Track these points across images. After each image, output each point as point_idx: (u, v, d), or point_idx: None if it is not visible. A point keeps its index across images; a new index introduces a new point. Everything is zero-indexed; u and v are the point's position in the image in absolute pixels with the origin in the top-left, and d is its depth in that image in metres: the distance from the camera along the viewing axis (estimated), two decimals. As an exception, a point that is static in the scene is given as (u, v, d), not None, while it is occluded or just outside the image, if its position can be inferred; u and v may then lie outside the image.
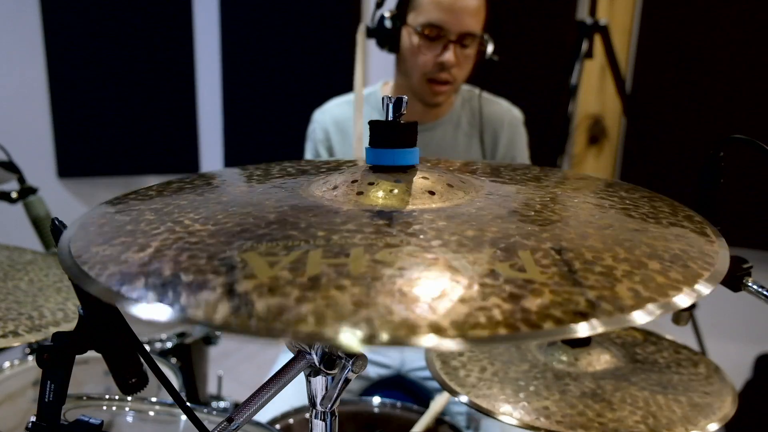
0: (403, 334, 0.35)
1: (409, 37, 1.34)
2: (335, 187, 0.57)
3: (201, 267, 0.43)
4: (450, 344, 0.34)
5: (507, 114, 1.51)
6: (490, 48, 1.37)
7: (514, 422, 0.74)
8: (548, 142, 2.13)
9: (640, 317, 0.37)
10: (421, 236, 0.46)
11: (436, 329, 0.35)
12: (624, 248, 0.46)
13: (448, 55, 1.29)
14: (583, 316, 0.36)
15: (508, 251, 0.44)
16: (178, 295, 0.39)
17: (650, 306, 0.38)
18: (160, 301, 0.39)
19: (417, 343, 0.34)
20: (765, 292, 0.73)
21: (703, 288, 0.42)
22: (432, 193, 0.55)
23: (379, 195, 0.55)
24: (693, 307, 0.85)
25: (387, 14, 1.37)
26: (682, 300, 0.40)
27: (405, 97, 0.59)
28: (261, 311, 0.37)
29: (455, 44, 1.30)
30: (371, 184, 0.56)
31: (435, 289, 0.39)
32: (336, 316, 0.36)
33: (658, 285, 0.41)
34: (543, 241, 0.46)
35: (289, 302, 0.37)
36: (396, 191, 0.55)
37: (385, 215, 0.51)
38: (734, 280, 0.74)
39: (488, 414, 0.76)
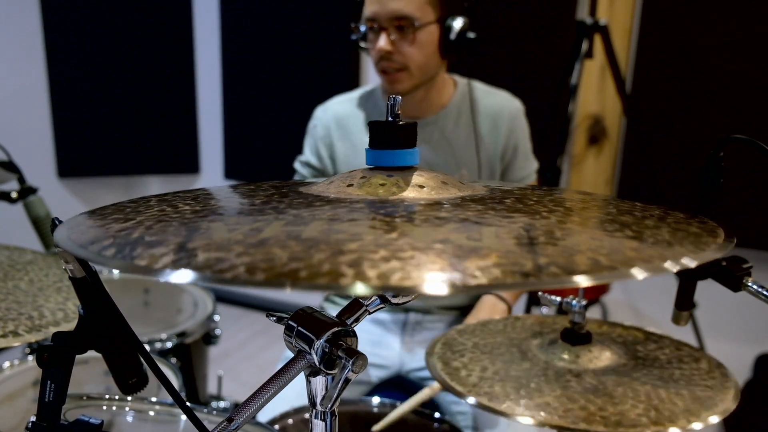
0: (321, 281, 0.37)
1: (365, 39, 1.38)
2: (330, 182, 0.61)
3: (167, 231, 0.47)
4: (360, 288, 0.36)
5: (507, 104, 1.51)
6: (456, 25, 1.34)
7: (517, 418, 0.74)
8: (548, 142, 2.12)
9: (585, 281, 0.38)
10: (396, 216, 0.48)
11: (335, 275, 0.37)
12: (604, 234, 0.47)
13: (381, 42, 1.32)
14: (526, 276, 0.38)
15: (472, 228, 0.46)
16: (132, 249, 0.43)
17: (604, 273, 0.39)
18: (117, 254, 0.43)
19: (321, 286, 0.37)
20: (765, 292, 0.73)
21: (670, 266, 0.42)
22: (422, 186, 0.57)
23: (369, 187, 0.57)
24: (693, 306, 0.85)
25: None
26: (639, 272, 0.40)
27: (399, 98, 0.60)
28: (199, 261, 0.40)
29: (388, 30, 1.32)
30: (363, 178, 0.58)
31: (368, 246, 0.41)
32: (267, 267, 0.38)
33: (624, 258, 0.42)
34: (516, 223, 0.48)
35: (229, 256, 0.40)
36: (386, 184, 0.57)
37: (369, 202, 0.53)
38: (734, 280, 0.74)
39: (491, 411, 0.77)
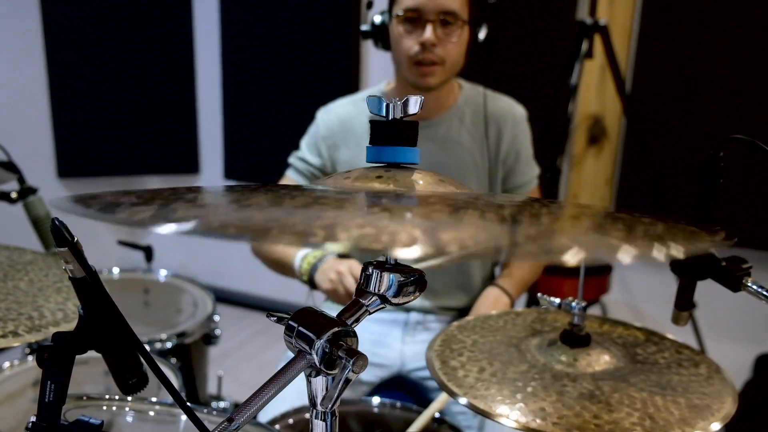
0: (290, 238, 0.38)
1: (395, 28, 1.39)
2: (329, 178, 0.62)
3: (161, 197, 0.49)
4: (329, 247, 0.39)
5: (510, 110, 1.51)
6: (482, 32, 1.40)
7: (511, 424, 0.74)
8: (548, 142, 2.12)
9: (570, 257, 0.38)
10: (385, 199, 0.49)
11: (306, 235, 0.39)
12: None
13: (428, 33, 1.32)
14: (498, 251, 0.38)
15: (458, 209, 0.46)
16: (121, 209, 0.46)
17: (576, 249, 0.39)
18: (102, 211, 0.46)
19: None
20: (765, 292, 0.73)
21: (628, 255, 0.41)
22: (418, 182, 0.57)
23: (365, 179, 0.57)
24: (693, 307, 0.85)
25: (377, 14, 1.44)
26: (624, 256, 0.40)
27: (421, 98, 0.60)
28: (176, 215, 0.42)
29: (434, 23, 1.33)
30: (360, 174, 0.59)
31: (346, 215, 0.43)
32: (241, 226, 0.41)
33: (608, 244, 0.41)
34: (505, 211, 0.49)
35: (202, 213, 0.43)
36: (382, 177, 0.57)
37: (362, 191, 0.54)
38: (734, 280, 0.74)
39: (485, 415, 0.76)
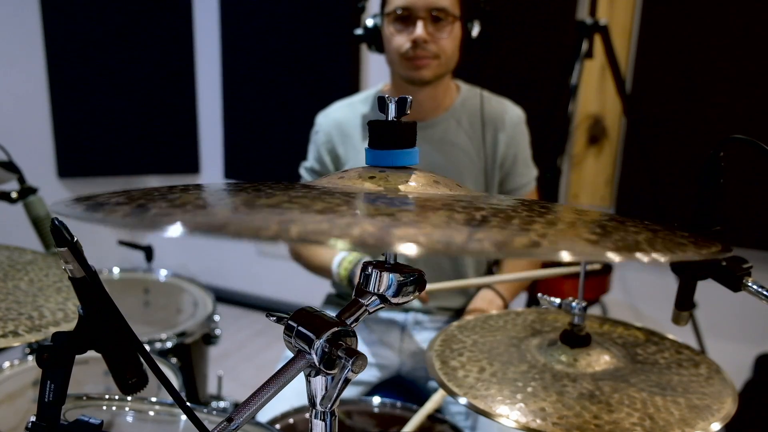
0: (245, 234, 0.39)
1: (387, 28, 1.40)
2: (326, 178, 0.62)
3: (148, 197, 0.50)
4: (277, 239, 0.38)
5: (508, 112, 1.51)
6: (476, 29, 1.41)
7: (511, 424, 0.74)
8: (548, 142, 2.13)
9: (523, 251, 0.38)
10: (359, 198, 0.50)
11: (258, 229, 0.39)
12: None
13: (419, 30, 1.33)
14: (448, 245, 0.38)
15: (428, 210, 0.47)
16: (107, 212, 0.47)
17: (536, 251, 0.39)
18: (87, 210, 0.46)
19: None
20: (765, 292, 0.73)
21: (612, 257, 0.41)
22: (410, 183, 0.57)
23: (356, 180, 0.58)
24: (693, 307, 0.85)
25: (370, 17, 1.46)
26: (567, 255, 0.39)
27: (409, 97, 0.59)
28: (148, 214, 0.43)
29: (425, 20, 1.34)
30: (355, 174, 0.59)
31: (309, 213, 0.44)
32: (202, 221, 0.42)
33: (574, 247, 0.41)
34: (481, 212, 0.48)
35: (176, 211, 0.43)
36: (374, 177, 0.57)
37: (345, 191, 0.54)
38: (734, 280, 0.74)
39: (485, 415, 0.76)
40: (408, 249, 0.37)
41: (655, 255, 0.41)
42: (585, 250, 0.40)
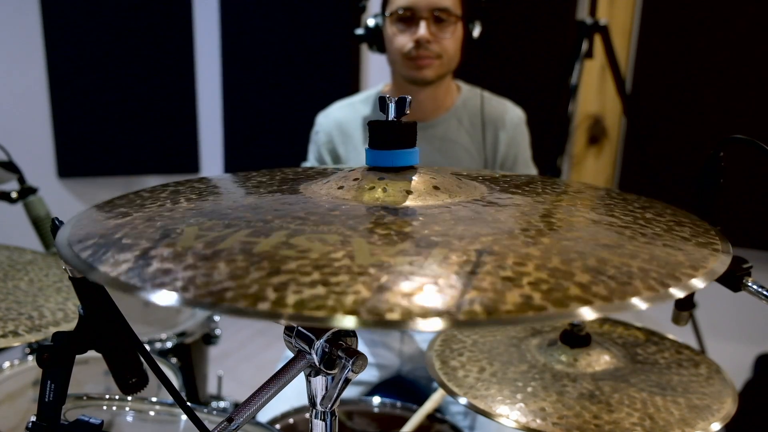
0: (241, 304, 0.38)
1: (389, 28, 1.40)
2: (327, 181, 0.62)
3: (145, 234, 0.49)
4: (276, 317, 0.38)
5: (509, 113, 1.51)
6: (477, 29, 1.41)
7: (511, 424, 0.74)
8: (548, 142, 2.12)
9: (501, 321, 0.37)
10: (358, 229, 0.48)
11: (256, 299, 0.39)
12: (564, 258, 0.45)
13: (422, 30, 1.33)
14: (439, 314, 0.37)
15: (425, 245, 0.46)
16: (104, 256, 0.46)
17: (532, 315, 0.38)
18: (90, 264, 0.45)
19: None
20: (765, 292, 0.73)
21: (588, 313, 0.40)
22: (409, 192, 0.56)
23: (356, 191, 0.57)
24: (693, 307, 0.85)
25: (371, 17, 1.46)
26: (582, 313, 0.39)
27: (409, 97, 0.59)
28: (148, 273, 0.42)
29: (428, 20, 1.34)
30: (356, 180, 0.59)
31: (305, 267, 0.42)
32: (201, 284, 0.40)
33: (565, 296, 0.40)
34: (480, 242, 0.46)
35: (178, 268, 0.42)
36: (376, 188, 0.57)
37: (345, 209, 0.53)
38: (734, 280, 0.74)
39: (485, 415, 0.76)
40: (412, 326, 0.37)
41: (643, 301, 0.41)
42: (575, 309, 0.39)
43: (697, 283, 0.44)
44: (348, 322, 0.37)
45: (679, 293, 0.42)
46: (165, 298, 0.39)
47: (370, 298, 0.38)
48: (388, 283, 0.40)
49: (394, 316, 0.37)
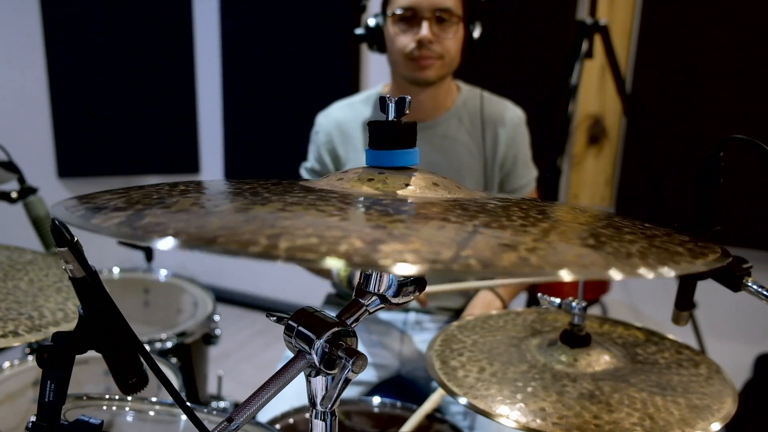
0: (232, 246, 0.39)
1: (390, 28, 1.39)
2: (326, 179, 0.62)
3: (147, 200, 0.50)
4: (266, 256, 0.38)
5: (508, 113, 1.51)
6: (477, 30, 1.41)
7: (511, 424, 0.74)
8: (548, 142, 2.13)
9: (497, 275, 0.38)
10: (354, 203, 0.49)
11: (248, 243, 0.39)
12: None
13: (425, 31, 1.33)
14: (433, 262, 0.37)
15: (422, 222, 0.47)
16: (105, 216, 0.46)
17: (525, 271, 0.38)
18: (87, 218, 0.46)
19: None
20: (765, 292, 0.73)
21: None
22: (408, 185, 0.57)
23: (354, 182, 0.57)
24: (693, 307, 0.85)
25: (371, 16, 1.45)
26: (567, 274, 0.39)
27: (408, 97, 0.59)
28: (141, 224, 0.43)
29: (430, 21, 1.34)
30: (355, 173, 0.60)
31: (300, 224, 0.43)
32: (194, 233, 0.41)
33: (560, 260, 0.40)
34: (474, 221, 0.47)
35: (170, 221, 0.43)
36: (372, 180, 0.57)
37: (341, 193, 0.54)
38: (734, 280, 0.74)
39: (485, 415, 0.76)
40: (397, 269, 0.37)
41: (643, 270, 0.41)
42: (575, 269, 0.39)
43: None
44: (338, 263, 0.37)
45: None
46: (160, 243, 0.40)
47: (364, 247, 0.39)
48: (383, 237, 0.40)
49: (386, 262, 0.37)
